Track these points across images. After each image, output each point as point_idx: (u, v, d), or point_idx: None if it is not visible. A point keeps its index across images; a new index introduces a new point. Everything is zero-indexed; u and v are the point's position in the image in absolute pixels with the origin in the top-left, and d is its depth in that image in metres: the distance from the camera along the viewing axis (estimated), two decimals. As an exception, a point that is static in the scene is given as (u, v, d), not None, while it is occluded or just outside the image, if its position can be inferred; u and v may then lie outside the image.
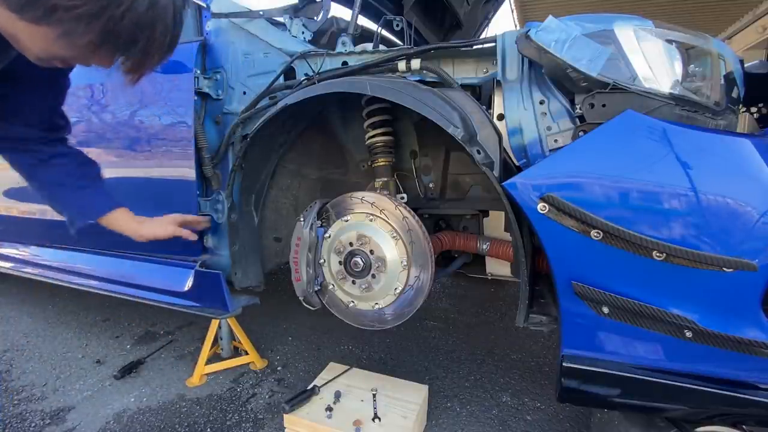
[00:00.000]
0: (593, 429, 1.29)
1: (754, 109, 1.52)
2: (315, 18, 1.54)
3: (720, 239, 0.86)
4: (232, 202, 1.48)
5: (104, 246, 1.92)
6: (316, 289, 1.39)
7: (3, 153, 1.11)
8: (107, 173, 1.73)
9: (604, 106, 1.00)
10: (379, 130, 1.41)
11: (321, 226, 1.37)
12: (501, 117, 1.18)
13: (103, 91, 1.71)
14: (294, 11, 1.52)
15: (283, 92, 1.40)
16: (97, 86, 1.72)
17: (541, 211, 0.96)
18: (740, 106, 1.15)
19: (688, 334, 0.91)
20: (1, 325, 2.49)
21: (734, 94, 1.08)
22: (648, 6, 6.18)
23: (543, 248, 0.99)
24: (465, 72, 1.28)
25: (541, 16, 1.24)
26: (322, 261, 1.37)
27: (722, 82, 1.04)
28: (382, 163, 1.44)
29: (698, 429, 1.07)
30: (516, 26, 7.11)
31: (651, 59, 0.99)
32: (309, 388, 1.47)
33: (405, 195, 1.51)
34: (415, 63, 1.25)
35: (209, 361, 1.87)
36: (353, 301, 1.36)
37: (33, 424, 1.57)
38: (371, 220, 1.28)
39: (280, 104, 1.26)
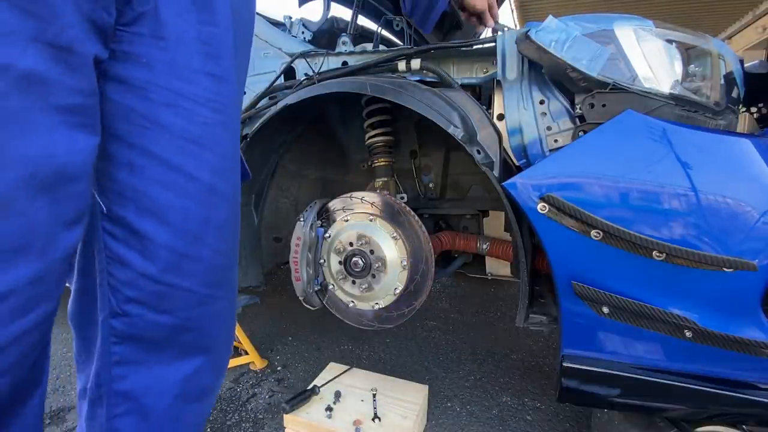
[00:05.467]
0: (593, 429, 1.29)
1: (754, 109, 1.52)
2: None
3: (720, 239, 0.86)
4: (232, 202, 1.48)
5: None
6: (316, 289, 1.39)
7: None
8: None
9: (604, 106, 1.00)
10: (379, 130, 1.41)
11: (321, 226, 1.37)
12: (501, 117, 1.18)
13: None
14: None
15: (283, 92, 1.40)
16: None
17: (541, 211, 0.96)
18: (740, 106, 1.15)
19: (688, 334, 0.91)
20: (1, 325, 2.49)
21: (734, 94, 1.08)
22: (648, 6, 6.18)
23: (543, 248, 0.99)
24: (465, 72, 1.28)
25: (541, 16, 1.24)
26: (322, 261, 1.37)
27: (722, 82, 1.04)
28: (382, 163, 1.44)
29: (698, 429, 1.07)
30: (516, 26, 7.10)
31: (651, 59, 0.99)
32: (309, 388, 1.47)
33: (405, 195, 1.51)
34: (415, 63, 1.25)
35: (209, 361, 1.87)
36: (353, 301, 1.36)
37: (33, 424, 1.56)
38: (371, 220, 1.28)
39: (280, 104, 1.26)
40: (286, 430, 1.41)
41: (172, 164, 0.61)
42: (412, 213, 1.25)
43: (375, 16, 2.13)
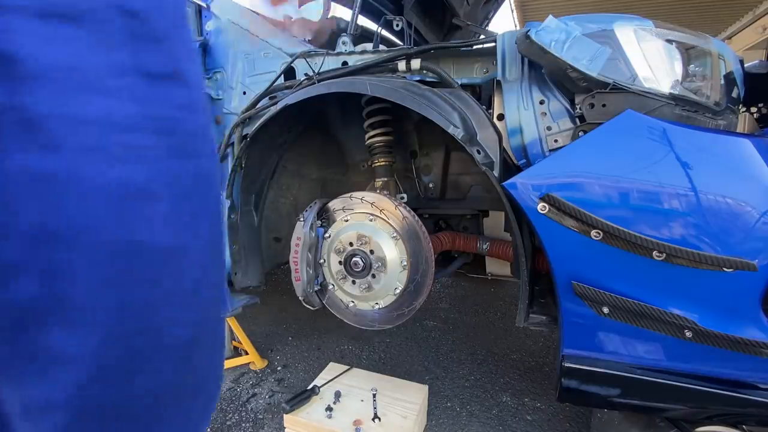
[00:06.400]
0: (593, 429, 1.29)
1: (754, 109, 1.52)
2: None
3: (720, 239, 0.86)
4: (231, 202, 1.48)
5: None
6: (316, 289, 1.39)
7: None
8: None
9: (604, 106, 1.00)
10: (378, 130, 1.41)
11: (321, 226, 1.37)
12: (501, 117, 1.18)
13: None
14: None
15: (283, 92, 1.40)
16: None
17: (541, 211, 0.96)
18: (740, 106, 1.15)
19: (688, 334, 0.91)
20: (1, 325, 2.48)
21: (734, 94, 1.08)
22: (648, 6, 6.18)
23: (543, 248, 0.99)
24: (465, 72, 1.28)
25: (541, 16, 1.24)
26: (322, 261, 1.37)
27: (722, 82, 1.04)
28: (382, 163, 1.44)
29: (698, 429, 1.07)
30: (516, 26, 7.12)
31: (651, 59, 0.99)
32: (309, 388, 1.47)
33: (405, 195, 1.51)
34: (415, 63, 1.25)
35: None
36: (353, 301, 1.36)
37: (33, 424, 1.56)
38: (371, 220, 1.28)
39: (280, 104, 1.26)
40: (286, 430, 1.41)
41: (103, 237, 0.31)
42: (413, 213, 1.25)
43: (375, 16, 2.13)
